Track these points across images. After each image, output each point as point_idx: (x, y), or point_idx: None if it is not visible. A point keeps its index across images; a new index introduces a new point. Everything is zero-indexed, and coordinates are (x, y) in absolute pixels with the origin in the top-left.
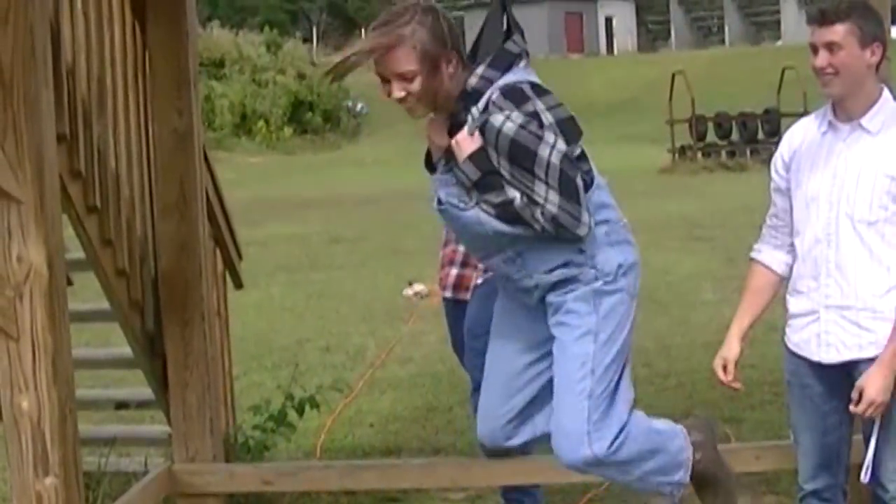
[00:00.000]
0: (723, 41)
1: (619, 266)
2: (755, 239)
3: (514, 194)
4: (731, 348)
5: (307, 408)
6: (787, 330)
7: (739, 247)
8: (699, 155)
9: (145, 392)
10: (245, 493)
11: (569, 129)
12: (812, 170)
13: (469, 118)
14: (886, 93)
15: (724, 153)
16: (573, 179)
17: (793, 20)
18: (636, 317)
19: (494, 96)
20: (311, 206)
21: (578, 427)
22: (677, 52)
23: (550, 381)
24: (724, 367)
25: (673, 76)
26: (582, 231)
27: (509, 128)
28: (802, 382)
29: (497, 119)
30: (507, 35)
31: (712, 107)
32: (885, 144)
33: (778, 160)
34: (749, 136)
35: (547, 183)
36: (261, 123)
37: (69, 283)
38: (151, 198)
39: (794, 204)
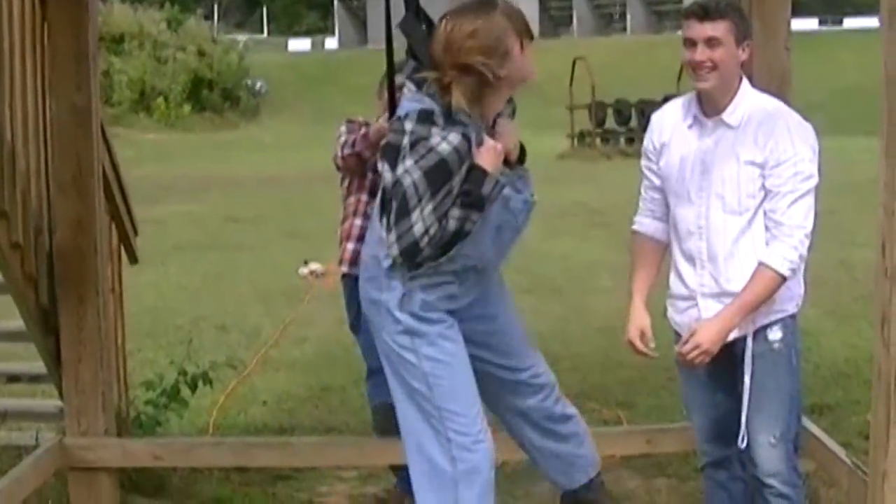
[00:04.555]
0: (625, 29)
1: None
2: None
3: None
4: (643, 317)
5: (200, 384)
6: (669, 308)
7: None
8: (598, 141)
9: (37, 366)
10: (137, 468)
11: None
12: (681, 165)
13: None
14: (745, 83)
15: (622, 140)
16: None
17: None
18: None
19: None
20: (210, 186)
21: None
22: (579, 39)
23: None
24: (641, 337)
25: (574, 62)
26: None
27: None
28: (688, 362)
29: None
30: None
31: (613, 94)
32: (746, 135)
33: (649, 145)
34: (647, 123)
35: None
36: (160, 100)
37: None
38: (48, 172)
39: (668, 194)
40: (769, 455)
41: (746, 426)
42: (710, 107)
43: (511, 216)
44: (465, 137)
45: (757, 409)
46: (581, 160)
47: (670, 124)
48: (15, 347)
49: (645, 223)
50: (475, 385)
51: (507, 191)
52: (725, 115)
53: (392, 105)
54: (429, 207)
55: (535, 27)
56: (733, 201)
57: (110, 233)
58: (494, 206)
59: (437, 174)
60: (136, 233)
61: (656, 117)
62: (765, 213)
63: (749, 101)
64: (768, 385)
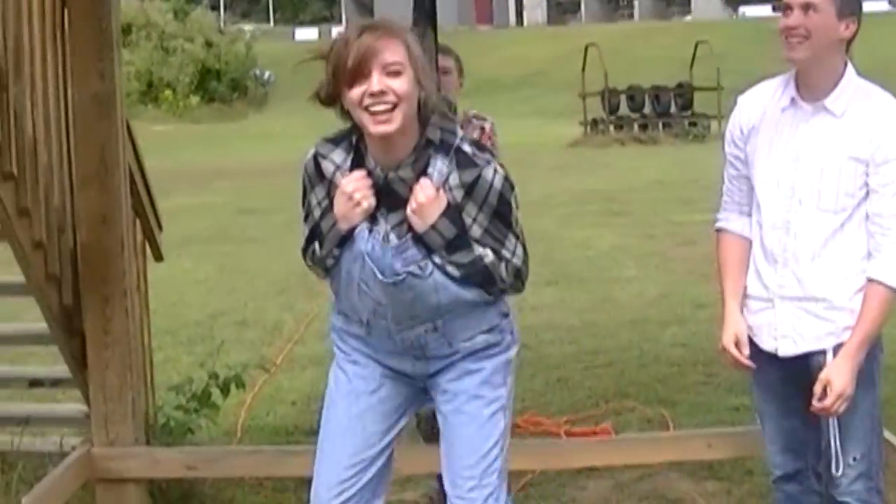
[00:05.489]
0: (632, 15)
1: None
2: (672, 213)
3: (485, 251)
4: (738, 323)
5: (233, 387)
6: (744, 309)
7: (657, 221)
8: (611, 128)
9: (59, 370)
10: (167, 479)
11: None
12: (770, 150)
13: (435, 173)
14: (850, 69)
15: (636, 126)
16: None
17: None
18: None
19: (466, 147)
20: (220, 177)
21: None
22: (587, 25)
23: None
24: (737, 344)
25: (586, 48)
26: (525, 286)
27: (499, 181)
28: (760, 367)
29: (489, 173)
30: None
31: (623, 81)
32: (850, 126)
33: (735, 130)
34: (662, 110)
35: (517, 236)
36: (167, 92)
37: None
38: (70, 166)
39: (753, 182)
40: (848, 474)
41: (832, 445)
42: (809, 89)
43: (367, 281)
44: (330, 160)
45: (838, 426)
46: (594, 147)
47: (761, 105)
48: (35, 349)
49: (731, 219)
50: (354, 445)
51: (366, 247)
52: (828, 102)
53: None
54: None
55: (542, 13)
56: (829, 198)
57: (135, 228)
58: (348, 257)
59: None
60: (160, 228)
61: (744, 98)
62: (867, 217)
63: (855, 89)
64: (850, 402)
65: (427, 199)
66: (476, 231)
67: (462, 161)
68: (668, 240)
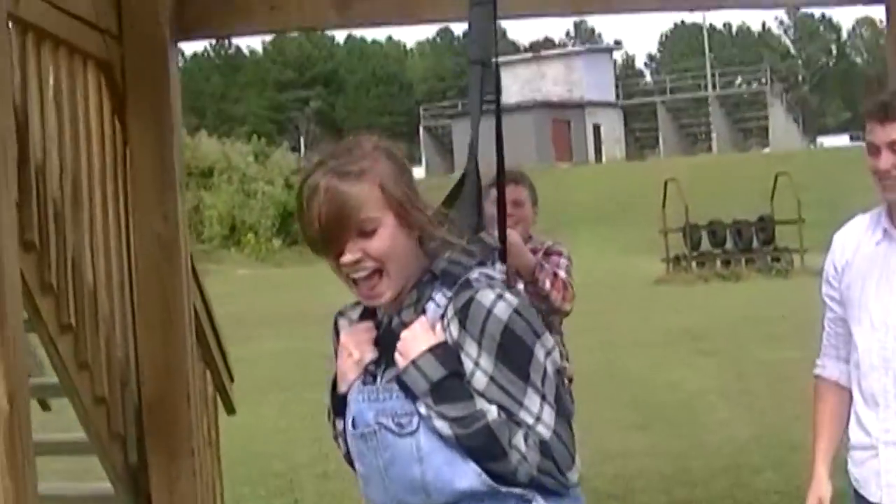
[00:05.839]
0: (710, 148)
1: None
2: (761, 351)
3: (489, 407)
4: (825, 485)
5: None
6: (849, 461)
7: (746, 360)
8: (694, 264)
9: None
10: None
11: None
12: (865, 287)
13: (431, 306)
14: None
15: (718, 262)
16: (567, 403)
17: (780, 127)
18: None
19: (474, 276)
20: (303, 321)
21: None
22: (665, 159)
23: None
24: None
25: (665, 184)
26: (572, 477)
27: (503, 310)
28: None
29: (486, 296)
30: (480, 219)
31: (703, 214)
32: None
33: (829, 269)
34: (744, 245)
35: (543, 395)
36: (250, 235)
37: (46, 408)
38: (133, 315)
39: (849, 322)
40: None
41: None
42: None
43: (352, 448)
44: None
45: None
46: (678, 284)
47: (853, 241)
48: None
49: (828, 366)
50: None
51: (351, 400)
52: None
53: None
54: None
55: (620, 149)
56: None
57: (204, 379)
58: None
59: None
60: (231, 379)
61: (838, 236)
62: None
63: None
64: None
65: (411, 332)
66: (480, 380)
67: (460, 288)
68: (758, 379)
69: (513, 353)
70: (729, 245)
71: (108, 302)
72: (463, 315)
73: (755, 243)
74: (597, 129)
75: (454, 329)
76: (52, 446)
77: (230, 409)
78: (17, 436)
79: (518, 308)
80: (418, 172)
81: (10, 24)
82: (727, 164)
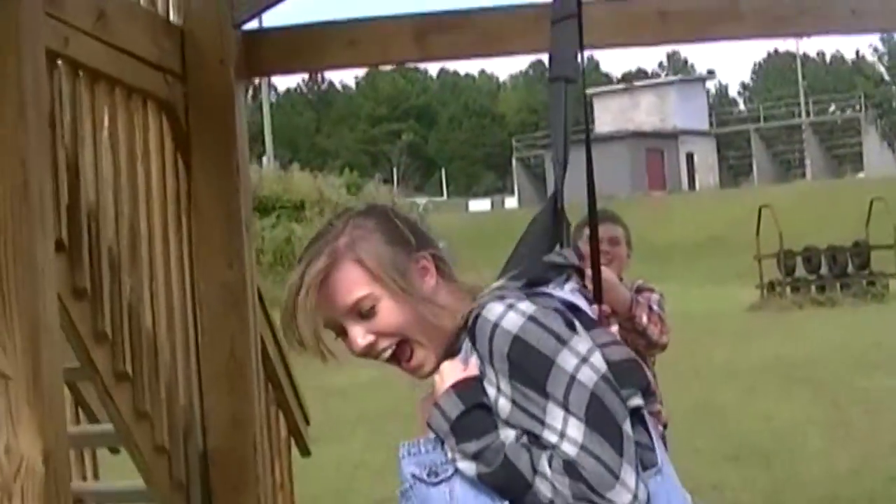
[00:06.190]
0: (804, 174)
1: None
2: (857, 379)
3: (506, 432)
4: None
5: None
6: None
7: (843, 390)
8: (788, 290)
9: None
10: None
11: (627, 372)
12: None
13: (462, 350)
14: None
15: (813, 288)
16: (613, 415)
17: (875, 152)
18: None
19: (484, 293)
20: None
21: None
22: (759, 187)
23: None
24: None
25: (759, 210)
26: (620, 499)
27: (511, 322)
28: None
29: (493, 310)
30: (553, 243)
31: (798, 241)
32: None
33: None
34: (839, 270)
35: (566, 407)
36: None
37: (115, 451)
38: (198, 362)
39: None
40: None
41: None
42: None
43: None
44: None
45: None
46: (773, 311)
47: None
48: None
49: None
50: None
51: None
52: None
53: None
54: None
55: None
56: None
57: (278, 424)
58: None
59: None
60: (307, 422)
61: None
62: None
63: None
64: None
65: (439, 375)
66: (504, 407)
67: (471, 311)
68: (854, 408)
69: (526, 365)
70: (824, 271)
71: (169, 349)
72: (471, 336)
73: (850, 268)
74: (690, 157)
75: (474, 360)
76: (110, 495)
77: (304, 452)
78: (54, 499)
79: (534, 315)
80: (511, 202)
81: (60, 63)
82: (821, 190)
